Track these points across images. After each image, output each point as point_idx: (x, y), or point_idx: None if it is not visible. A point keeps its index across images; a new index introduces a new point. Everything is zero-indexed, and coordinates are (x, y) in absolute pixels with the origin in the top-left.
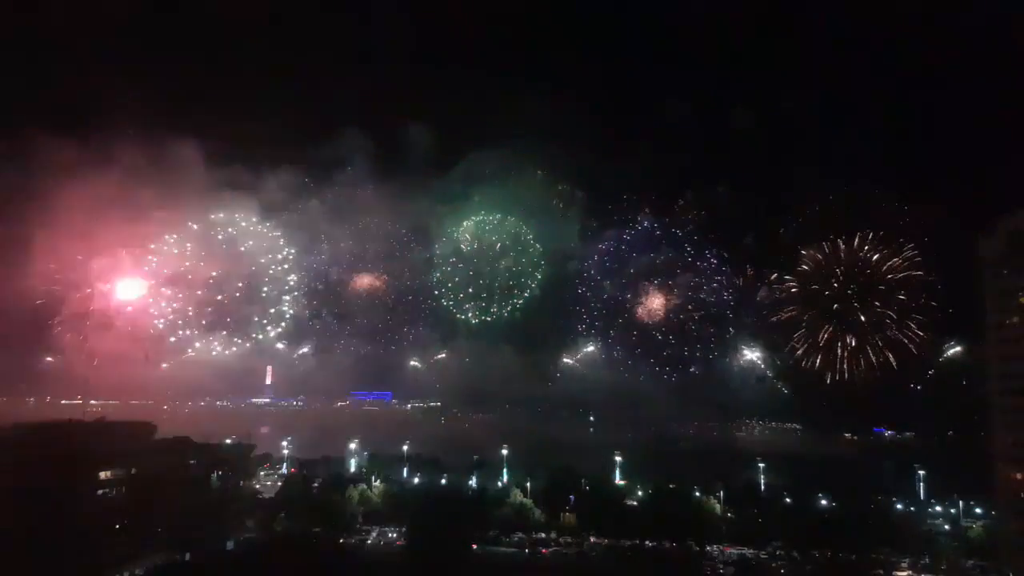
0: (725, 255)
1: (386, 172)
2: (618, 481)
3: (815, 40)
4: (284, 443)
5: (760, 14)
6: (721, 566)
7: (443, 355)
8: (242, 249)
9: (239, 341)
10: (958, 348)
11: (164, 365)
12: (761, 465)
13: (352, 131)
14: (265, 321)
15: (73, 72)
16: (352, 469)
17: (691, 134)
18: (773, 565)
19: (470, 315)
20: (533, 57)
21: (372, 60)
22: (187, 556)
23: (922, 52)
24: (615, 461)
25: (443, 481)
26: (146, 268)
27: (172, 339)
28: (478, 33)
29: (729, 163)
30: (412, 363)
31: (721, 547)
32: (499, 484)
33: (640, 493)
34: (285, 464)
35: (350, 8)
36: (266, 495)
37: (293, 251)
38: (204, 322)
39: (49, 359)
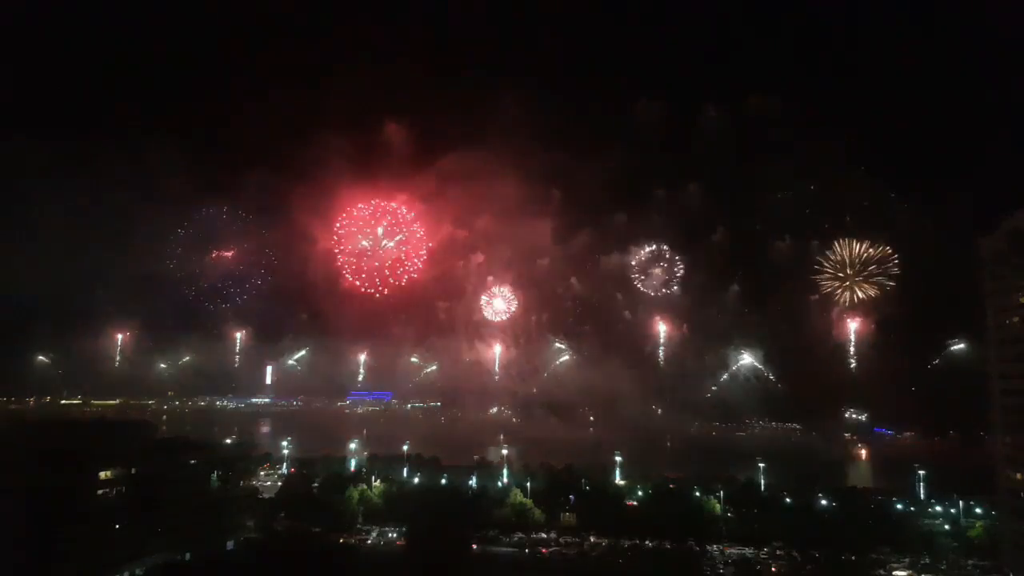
0: None
1: None
2: (618, 481)
3: (812, 37)
4: (284, 443)
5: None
6: (721, 566)
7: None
8: None
9: None
10: (959, 347)
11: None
12: (761, 465)
13: None
14: None
15: None
16: (352, 469)
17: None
18: (773, 565)
19: None
20: None
21: None
22: (187, 556)
23: (922, 50)
24: (615, 460)
25: (443, 481)
26: None
27: None
28: None
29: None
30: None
31: (721, 547)
32: (499, 484)
33: (640, 493)
34: (285, 464)
35: None
36: (266, 495)
37: None
38: None
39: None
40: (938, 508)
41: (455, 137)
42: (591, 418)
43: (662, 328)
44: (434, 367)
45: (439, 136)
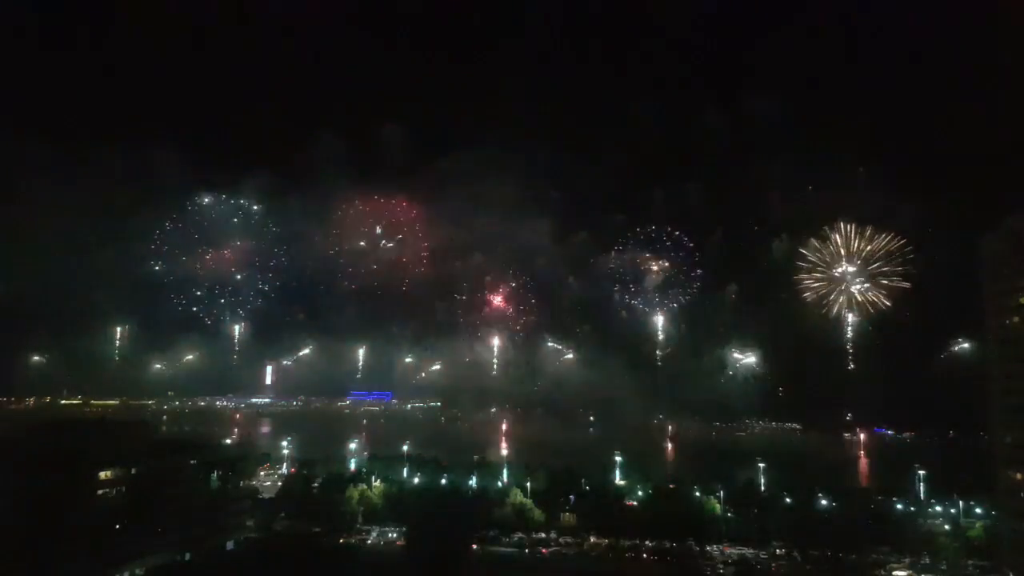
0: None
1: None
2: (618, 481)
3: (816, 37)
4: (284, 443)
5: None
6: (721, 566)
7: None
8: None
9: None
10: (959, 347)
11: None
12: (761, 465)
13: None
14: None
15: None
16: (352, 469)
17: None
18: (773, 565)
19: None
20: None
21: None
22: (187, 556)
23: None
24: (615, 460)
25: (443, 481)
26: None
27: None
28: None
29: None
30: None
31: (721, 547)
32: (499, 484)
33: (640, 493)
34: (285, 464)
35: None
36: (266, 495)
37: None
38: None
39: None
40: (938, 508)
41: (453, 136)
42: (591, 418)
43: (660, 327)
44: (437, 367)
45: (436, 135)
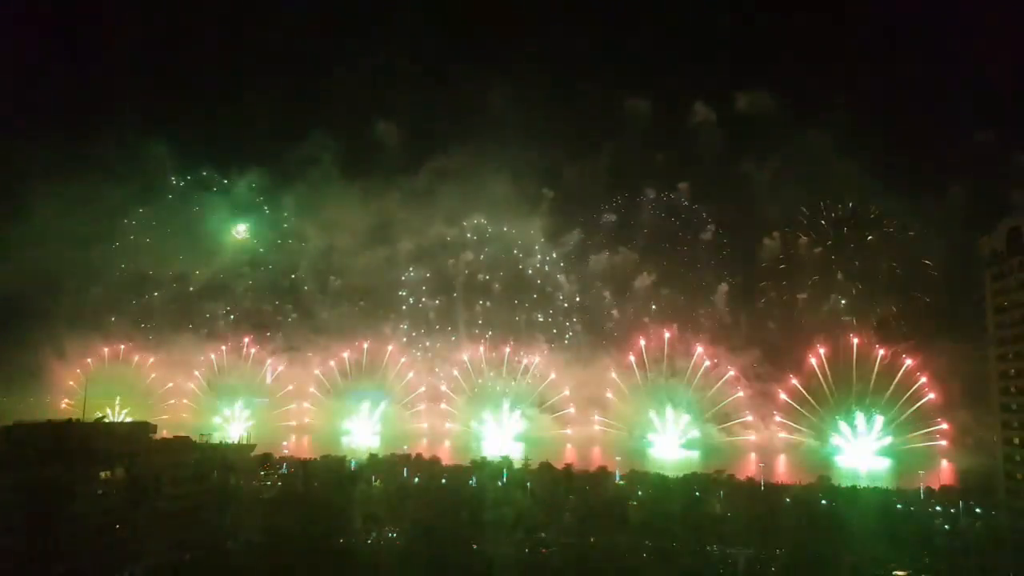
0: None
1: None
2: (618, 481)
3: (813, 28)
4: (284, 443)
5: None
6: (721, 566)
7: None
8: None
9: None
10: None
11: None
12: (761, 465)
13: None
14: None
15: None
16: (352, 469)
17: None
18: (773, 565)
19: None
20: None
21: None
22: (187, 556)
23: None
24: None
25: (443, 481)
26: None
27: None
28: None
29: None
30: None
31: (721, 547)
32: (499, 484)
33: (640, 493)
34: (285, 464)
35: None
36: (266, 495)
37: None
38: None
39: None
40: (938, 508)
41: (444, 135)
42: (595, 418)
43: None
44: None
45: (428, 134)
